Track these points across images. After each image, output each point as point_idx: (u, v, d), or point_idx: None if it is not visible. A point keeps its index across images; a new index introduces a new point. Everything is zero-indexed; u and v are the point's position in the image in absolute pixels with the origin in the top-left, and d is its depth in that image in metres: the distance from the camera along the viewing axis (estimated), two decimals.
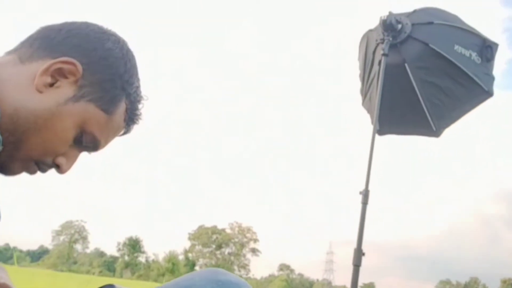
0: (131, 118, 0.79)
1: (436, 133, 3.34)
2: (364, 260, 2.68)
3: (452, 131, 3.51)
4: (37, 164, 0.73)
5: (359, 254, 2.63)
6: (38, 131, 0.69)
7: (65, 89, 0.72)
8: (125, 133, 0.81)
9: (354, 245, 2.67)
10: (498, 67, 3.35)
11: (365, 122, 3.49)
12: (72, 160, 0.75)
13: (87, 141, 0.74)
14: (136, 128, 0.82)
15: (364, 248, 2.68)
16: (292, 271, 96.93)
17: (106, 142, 0.77)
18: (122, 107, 0.76)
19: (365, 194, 2.73)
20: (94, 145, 0.76)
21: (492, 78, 3.26)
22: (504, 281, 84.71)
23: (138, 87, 0.79)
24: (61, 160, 0.73)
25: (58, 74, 0.71)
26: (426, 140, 3.62)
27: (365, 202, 2.73)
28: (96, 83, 0.73)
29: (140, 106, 0.80)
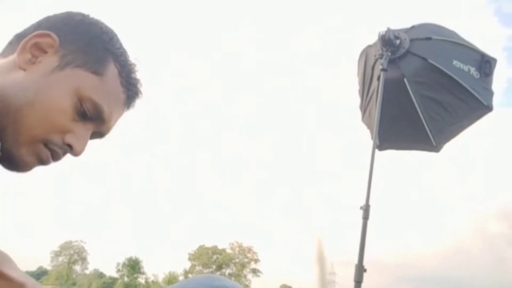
0: (127, 82, 0.77)
1: (436, 148, 3.33)
2: (365, 278, 2.63)
3: (453, 147, 3.51)
4: (47, 147, 0.70)
5: (360, 270, 2.58)
6: (31, 105, 0.67)
7: (48, 61, 0.71)
8: (129, 105, 0.80)
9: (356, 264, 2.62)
10: (499, 85, 3.37)
11: (366, 137, 3.49)
12: (82, 138, 0.73)
13: (88, 109, 0.72)
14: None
15: (366, 265, 2.64)
16: None
17: (110, 110, 0.75)
18: (111, 68, 0.75)
19: (366, 209, 2.70)
20: (98, 114, 0.73)
21: (491, 93, 3.26)
22: None
23: (124, 51, 0.78)
24: (70, 139, 0.71)
25: (36, 49, 0.71)
26: (427, 156, 3.60)
27: (366, 217, 2.70)
28: (76, 49, 0.73)
29: (134, 70, 0.79)
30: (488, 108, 3.18)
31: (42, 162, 0.72)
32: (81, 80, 0.71)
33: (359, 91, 3.67)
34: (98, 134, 0.78)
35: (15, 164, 0.70)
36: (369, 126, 3.53)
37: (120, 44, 0.78)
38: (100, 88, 0.73)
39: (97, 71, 0.73)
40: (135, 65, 0.79)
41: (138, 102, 0.83)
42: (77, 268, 71.73)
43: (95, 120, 0.74)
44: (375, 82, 3.32)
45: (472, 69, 3.22)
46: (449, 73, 3.09)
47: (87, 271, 74.62)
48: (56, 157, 0.72)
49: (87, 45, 0.74)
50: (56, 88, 0.69)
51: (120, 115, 0.79)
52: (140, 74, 0.81)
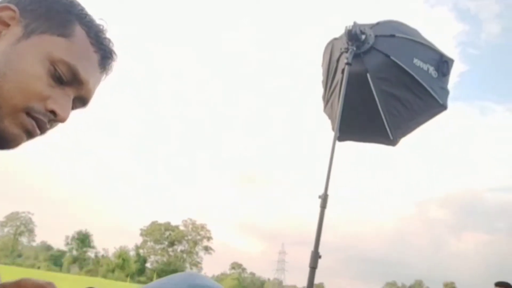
0: (97, 41, 0.77)
1: (392, 142, 3.47)
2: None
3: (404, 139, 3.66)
4: (30, 115, 0.70)
5: (316, 256, 2.69)
6: (4, 76, 0.68)
7: (12, 33, 0.71)
8: (104, 67, 0.79)
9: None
10: (451, 79, 3.52)
11: (327, 127, 3.57)
12: (64, 103, 0.73)
13: (63, 72, 0.71)
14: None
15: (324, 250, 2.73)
16: (244, 270, 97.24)
17: (85, 71, 0.74)
18: (78, 29, 0.75)
19: (324, 199, 2.79)
20: (73, 76, 0.73)
21: (447, 92, 3.42)
22: (446, 285, 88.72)
23: (87, 13, 0.78)
24: (52, 105, 0.71)
25: None
26: (381, 148, 3.74)
27: (323, 206, 2.79)
28: (38, 16, 0.73)
29: (102, 30, 0.78)
30: (443, 107, 3.34)
31: (29, 133, 0.71)
32: (49, 44, 0.71)
33: (322, 82, 3.74)
34: (80, 100, 0.78)
35: (2, 139, 0.69)
36: (331, 117, 3.62)
37: (82, 7, 0.78)
38: (70, 49, 0.72)
39: (64, 34, 0.72)
40: (102, 25, 0.78)
41: (114, 65, 0.81)
42: (24, 240, 69.71)
43: (73, 84, 0.73)
44: (339, 74, 3.39)
45: (431, 68, 3.35)
46: (409, 71, 3.20)
47: (34, 243, 72.72)
48: (42, 126, 0.72)
49: (48, 11, 0.73)
50: (25, 56, 0.69)
51: (97, 78, 0.78)
52: (109, 34, 0.79)
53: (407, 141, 3.67)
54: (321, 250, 2.75)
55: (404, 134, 3.46)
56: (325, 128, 3.62)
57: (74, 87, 0.74)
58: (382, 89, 3.29)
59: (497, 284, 5.15)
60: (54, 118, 0.72)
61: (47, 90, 0.71)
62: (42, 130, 0.73)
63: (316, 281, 2.74)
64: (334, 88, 3.50)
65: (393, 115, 3.33)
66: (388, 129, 3.36)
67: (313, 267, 2.68)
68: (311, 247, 2.75)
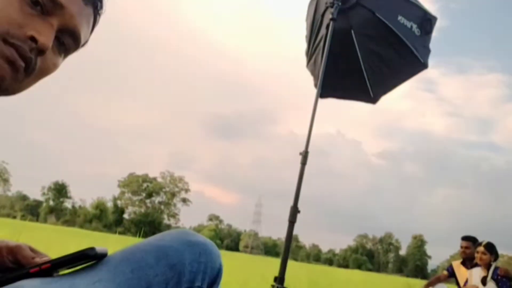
0: None
1: (373, 99, 3.49)
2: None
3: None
4: (8, 43, 0.66)
5: (295, 211, 2.74)
6: None
7: None
8: None
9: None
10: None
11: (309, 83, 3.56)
12: (44, 29, 0.69)
13: None
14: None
15: (291, 202, 2.78)
16: (221, 221, 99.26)
17: None
18: None
19: (305, 156, 2.82)
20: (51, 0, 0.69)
21: (428, 51, 3.41)
22: (414, 237, 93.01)
23: None
24: (31, 31, 0.67)
25: None
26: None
27: (303, 163, 2.82)
28: None
29: None
30: (424, 65, 3.34)
31: (10, 62, 0.66)
32: None
33: (306, 37, 3.68)
34: (68, 33, 0.74)
35: None
36: (313, 73, 3.60)
37: None
38: None
39: None
40: None
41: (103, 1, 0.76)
42: None
43: (54, 12, 0.70)
44: (323, 30, 3.34)
45: (414, 26, 3.33)
46: (393, 28, 3.17)
47: (10, 193, 72.08)
48: (23, 54, 0.67)
49: None
50: None
51: (82, 8, 0.74)
52: None
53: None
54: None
55: (385, 92, 3.48)
56: (308, 84, 3.60)
57: (55, 15, 0.70)
58: (366, 46, 3.28)
59: (463, 238, 5.37)
60: (35, 46, 0.67)
61: (25, 18, 0.66)
62: (25, 59, 0.68)
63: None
64: (318, 44, 3.45)
65: (375, 73, 3.34)
66: (369, 87, 3.37)
67: (292, 221, 2.74)
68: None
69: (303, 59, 3.78)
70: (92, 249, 0.67)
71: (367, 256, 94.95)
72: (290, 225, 2.75)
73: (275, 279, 2.64)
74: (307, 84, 3.60)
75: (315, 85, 3.58)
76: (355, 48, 3.28)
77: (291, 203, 2.76)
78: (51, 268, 0.69)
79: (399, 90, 3.64)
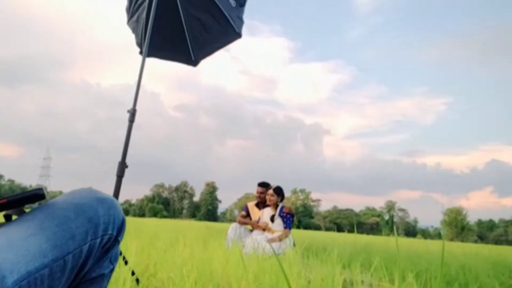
0: None
1: (194, 62, 3.76)
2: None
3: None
4: None
5: (123, 166, 2.87)
6: None
7: None
8: None
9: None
10: None
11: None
12: None
13: None
14: None
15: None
16: (1, 176, 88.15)
17: None
18: None
19: (132, 113, 2.95)
20: None
21: (242, 22, 3.81)
22: (207, 184, 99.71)
23: None
24: None
25: None
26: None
27: (131, 120, 2.95)
28: None
29: None
30: (239, 35, 3.73)
31: None
32: None
33: None
34: None
35: None
36: (135, 31, 3.66)
37: None
38: None
39: None
40: None
41: None
42: None
43: None
44: None
45: None
46: None
47: None
48: None
49: None
50: None
51: None
52: None
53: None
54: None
55: (204, 56, 3.77)
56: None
57: None
58: (189, 12, 3.48)
59: (259, 184, 6.17)
60: None
61: None
62: None
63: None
64: (142, 3, 3.50)
65: (197, 38, 3.59)
66: (191, 51, 3.62)
67: (119, 175, 2.88)
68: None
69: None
70: (41, 189, 0.83)
71: (163, 204, 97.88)
72: (118, 179, 2.89)
73: None
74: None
75: (137, 44, 3.67)
76: (179, 13, 3.45)
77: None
78: (7, 204, 0.81)
79: None
